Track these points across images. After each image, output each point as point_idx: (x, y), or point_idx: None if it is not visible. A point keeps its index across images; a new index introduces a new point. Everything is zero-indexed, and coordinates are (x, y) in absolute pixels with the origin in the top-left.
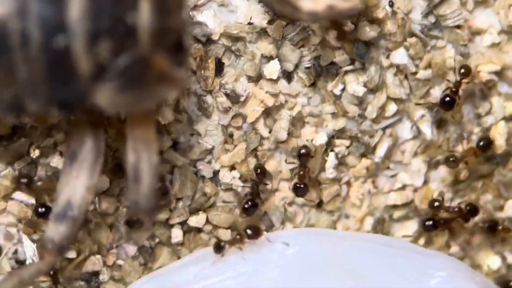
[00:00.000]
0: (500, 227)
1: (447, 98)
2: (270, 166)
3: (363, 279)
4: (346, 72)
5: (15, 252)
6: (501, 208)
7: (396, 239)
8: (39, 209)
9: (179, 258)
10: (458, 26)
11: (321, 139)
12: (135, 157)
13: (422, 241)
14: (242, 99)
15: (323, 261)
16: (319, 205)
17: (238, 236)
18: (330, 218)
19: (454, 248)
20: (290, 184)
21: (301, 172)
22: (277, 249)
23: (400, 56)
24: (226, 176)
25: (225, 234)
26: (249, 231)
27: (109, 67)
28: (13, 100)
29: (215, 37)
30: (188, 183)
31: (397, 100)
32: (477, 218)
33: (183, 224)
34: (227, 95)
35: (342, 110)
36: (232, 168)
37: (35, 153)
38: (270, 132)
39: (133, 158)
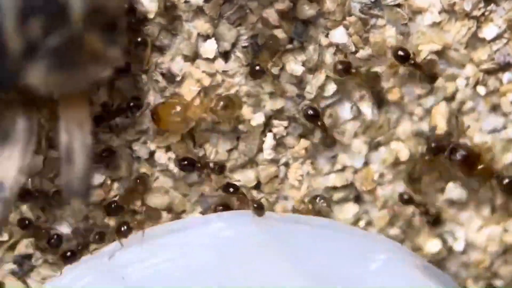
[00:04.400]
0: None
1: None
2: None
3: (302, 262)
4: (284, 51)
5: None
6: (442, 190)
7: (336, 222)
8: None
9: None
10: (399, 5)
11: (258, 119)
12: (68, 137)
13: (362, 223)
14: (178, 78)
15: (260, 244)
16: (257, 186)
17: None
18: (268, 199)
19: (395, 231)
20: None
21: None
22: (212, 232)
23: (339, 35)
24: (161, 157)
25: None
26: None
27: (40, 45)
28: None
29: (150, 15)
30: (123, 164)
31: (336, 80)
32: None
33: None
34: (163, 74)
35: (280, 90)
36: (168, 149)
37: None
38: None
39: (65, 138)
